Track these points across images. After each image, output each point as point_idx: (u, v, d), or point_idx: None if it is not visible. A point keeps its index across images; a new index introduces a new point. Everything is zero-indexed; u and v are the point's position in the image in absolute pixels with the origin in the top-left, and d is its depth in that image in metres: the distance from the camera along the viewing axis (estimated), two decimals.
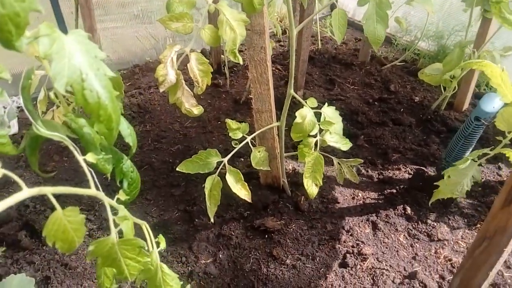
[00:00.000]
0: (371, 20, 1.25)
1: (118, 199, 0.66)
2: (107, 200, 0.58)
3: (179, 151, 2.01)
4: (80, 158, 0.54)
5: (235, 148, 1.41)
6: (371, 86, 2.57)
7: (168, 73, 1.08)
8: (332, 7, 3.64)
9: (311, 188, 1.41)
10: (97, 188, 0.57)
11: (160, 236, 0.75)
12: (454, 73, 2.04)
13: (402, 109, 2.31)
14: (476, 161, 1.16)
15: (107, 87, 0.54)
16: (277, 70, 2.80)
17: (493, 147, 1.14)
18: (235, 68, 2.76)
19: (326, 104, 1.46)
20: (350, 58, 2.87)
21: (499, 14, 0.68)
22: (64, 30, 2.46)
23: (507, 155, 1.05)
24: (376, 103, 2.39)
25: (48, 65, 0.51)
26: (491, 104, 1.36)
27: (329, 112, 1.45)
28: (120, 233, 0.63)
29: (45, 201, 1.70)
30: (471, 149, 1.53)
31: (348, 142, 1.43)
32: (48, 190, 0.47)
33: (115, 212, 0.63)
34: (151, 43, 2.99)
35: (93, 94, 0.52)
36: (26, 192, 0.45)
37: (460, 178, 1.18)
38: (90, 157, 0.55)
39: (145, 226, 0.70)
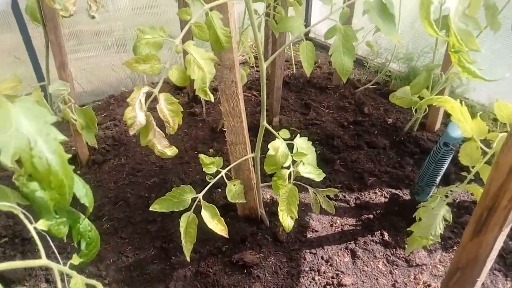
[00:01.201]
0: (338, 52, 1.27)
1: (70, 263, 0.63)
2: (57, 269, 0.56)
3: (155, 185, 1.98)
4: (30, 227, 0.52)
5: (211, 181, 1.40)
6: (346, 109, 2.61)
7: (137, 115, 1.07)
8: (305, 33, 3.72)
9: (287, 221, 1.40)
10: (54, 255, 0.55)
11: None
12: (423, 94, 2.10)
13: (376, 132, 2.35)
14: (445, 200, 1.17)
15: (57, 152, 0.52)
16: (253, 97, 2.82)
17: (459, 183, 1.16)
18: (211, 92, 2.76)
19: (299, 135, 1.46)
20: (324, 82, 2.92)
21: (459, 64, 0.70)
22: (37, 66, 2.44)
23: (472, 192, 1.07)
24: (351, 126, 2.43)
25: None
26: (459, 130, 1.39)
27: (302, 143, 1.46)
28: None
29: (16, 245, 1.64)
30: (442, 173, 1.56)
31: (321, 173, 1.43)
32: None
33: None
34: (126, 73, 2.98)
35: (42, 161, 0.51)
36: None
37: (431, 219, 1.18)
38: (42, 224, 0.53)
39: None
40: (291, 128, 2.43)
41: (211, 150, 2.25)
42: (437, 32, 0.67)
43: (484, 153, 1.05)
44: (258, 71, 3.18)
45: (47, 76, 1.89)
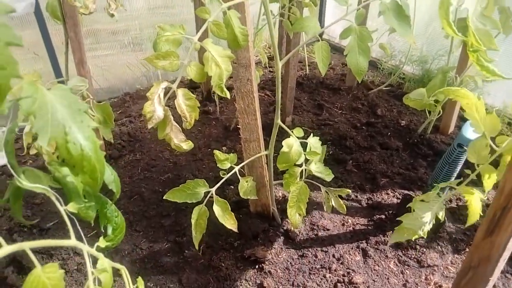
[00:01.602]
0: (353, 52, 1.29)
1: (97, 246, 0.66)
2: (86, 250, 0.58)
3: (169, 180, 2.01)
4: (61, 208, 0.55)
5: (224, 176, 1.43)
6: (359, 111, 2.61)
7: (155, 109, 1.10)
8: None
9: (295, 217, 1.42)
10: (79, 237, 0.58)
11: (139, 279, 0.75)
12: (438, 97, 2.09)
13: (389, 133, 2.35)
14: (441, 197, 1.17)
15: (90, 138, 0.55)
16: (266, 96, 2.84)
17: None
18: None
19: (312, 134, 1.48)
20: (337, 83, 2.93)
21: (477, 62, 0.71)
22: (55, 63, 2.49)
23: (463, 195, 1.06)
24: (363, 127, 2.43)
25: (33, 120, 0.52)
26: (473, 131, 1.39)
27: (314, 143, 1.47)
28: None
29: (33, 234, 1.69)
30: (455, 175, 1.56)
31: (331, 173, 1.46)
32: (27, 245, 0.48)
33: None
34: (141, 71, 3.03)
35: (76, 146, 0.53)
36: (5, 249, 0.45)
37: (423, 213, 1.17)
38: (72, 207, 0.56)
39: (124, 271, 0.70)
40: (303, 127, 2.42)
41: (224, 148, 2.27)
42: (455, 31, 0.68)
43: (492, 152, 1.05)
44: (271, 71, 3.20)
45: (66, 73, 1.94)
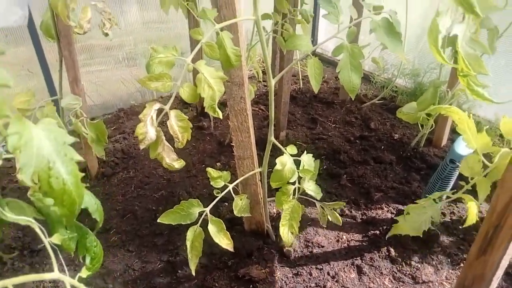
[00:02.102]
0: (346, 69, 1.30)
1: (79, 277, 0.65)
2: (68, 282, 0.57)
3: (162, 198, 2.00)
4: (45, 240, 0.55)
5: (218, 195, 1.42)
6: (352, 124, 2.62)
7: (148, 131, 1.10)
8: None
9: (287, 236, 1.42)
10: (62, 268, 0.57)
11: None
12: (430, 111, 2.11)
13: (382, 147, 2.36)
14: (437, 202, 1.19)
15: (73, 172, 0.55)
16: (260, 111, 2.85)
17: (455, 190, 1.17)
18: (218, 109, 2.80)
19: (305, 151, 1.48)
20: (331, 97, 2.95)
21: (468, 87, 0.72)
22: (49, 79, 2.49)
23: (464, 200, 1.08)
24: (357, 141, 2.44)
25: (18, 155, 0.52)
26: (465, 147, 1.40)
27: (307, 160, 1.47)
28: None
29: (24, 256, 1.67)
30: (449, 190, 1.56)
31: (320, 192, 1.46)
32: (9, 282, 0.47)
33: None
34: (136, 86, 3.03)
35: (59, 181, 0.53)
36: None
37: (419, 216, 1.20)
38: (56, 238, 0.56)
39: None
40: (297, 142, 2.45)
41: (218, 164, 2.27)
42: (446, 59, 0.69)
43: (485, 167, 1.06)
44: (266, 86, 3.22)
45: (60, 91, 1.94)
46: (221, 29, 1.14)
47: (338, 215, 1.55)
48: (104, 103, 2.94)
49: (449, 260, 1.62)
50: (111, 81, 2.96)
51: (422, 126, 2.26)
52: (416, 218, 1.20)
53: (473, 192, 1.23)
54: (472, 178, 1.08)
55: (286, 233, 1.44)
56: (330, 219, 1.57)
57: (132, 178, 2.15)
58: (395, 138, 2.45)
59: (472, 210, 1.12)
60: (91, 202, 0.67)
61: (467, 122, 1.00)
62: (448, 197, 1.17)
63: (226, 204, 1.90)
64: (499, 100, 0.79)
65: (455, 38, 0.73)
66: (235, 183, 1.46)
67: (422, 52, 2.94)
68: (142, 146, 1.12)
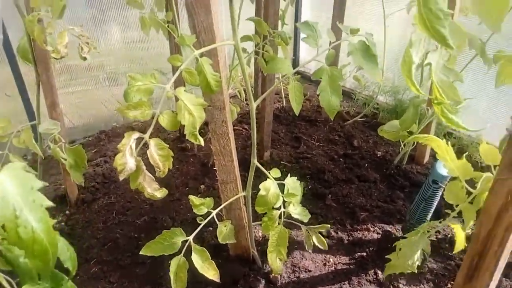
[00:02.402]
0: (325, 92, 1.30)
1: None
2: None
3: (145, 224, 1.94)
4: None
5: (201, 222, 1.38)
6: (336, 142, 2.63)
7: (127, 161, 1.07)
8: (294, 65, 3.81)
9: (276, 263, 1.39)
10: None
11: None
12: (411, 129, 2.13)
13: (366, 165, 2.37)
14: (426, 234, 1.18)
15: (42, 219, 0.52)
16: (244, 130, 2.84)
17: (442, 219, 1.17)
18: (202, 131, 2.77)
19: (289, 175, 1.47)
20: (314, 115, 2.96)
21: (442, 114, 0.72)
22: (27, 102, 2.43)
23: (454, 229, 1.07)
24: (341, 159, 2.44)
25: None
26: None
27: (291, 183, 1.46)
28: None
29: None
30: (433, 210, 1.57)
31: (308, 214, 1.44)
32: None
33: None
34: (117, 107, 2.98)
35: (27, 230, 0.50)
36: None
37: (411, 251, 1.19)
38: None
39: None
40: (282, 162, 2.44)
41: (202, 186, 2.23)
42: (419, 90, 0.70)
43: (469, 193, 1.07)
44: (249, 105, 3.21)
45: (38, 115, 1.89)
46: (201, 55, 1.12)
47: (323, 239, 1.52)
48: (85, 125, 2.89)
49: (436, 281, 1.61)
50: (92, 102, 2.91)
51: (404, 143, 2.28)
52: (409, 253, 1.19)
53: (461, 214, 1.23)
54: (457, 205, 1.08)
55: (274, 259, 1.41)
56: (316, 243, 1.55)
57: (113, 204, 2.09)
58: (378, 155, 2.46)
59: (460, 237, 1.11)
60: (63, 249, 0.63)
61: (446, 149, 1.01)
62: (436, 226, 1.17)
63: (211, 228, 1.86)
64: (474, 127, 0.79)
65: (429, 66, 0.73)
66: (218, 209, 1.43)
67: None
68: (121, 177, 1.09)
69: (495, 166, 0.98)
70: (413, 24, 0.56)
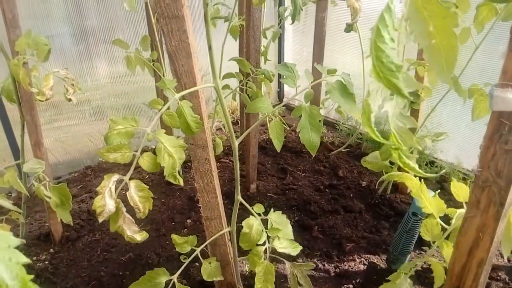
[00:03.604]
0: (305, 129, 1.34)
1: None
2: None
3: (130, 261, 1.92)
4: None
5: (185, 260, 1.38)
6: (321, 173, 2.67)
7: (106, 203, 1.08)
8: (279, 97, 3.89)
9: None
10: None
11: None
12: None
13: (351, 195, 2.40)
14: (408, 274, 1.20)
15: (18, 277, 0.53)
16: (231, 163, 2.86)
17: (419, 257, 1.20)
18: (188, 163, 2.79)
19: (272, 209, 1.48)
20: (299, 146, 3.01)
21: (399, 159, 0.76)
22: (11, 139, 2.43)
23: (432, 266, 1.10)
24: (326, 190, 2.47)
25: None
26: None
27: (276, 218, 1.47)
28: None
29: None
30: (414, 241, 1.59)
31: (298, 246, 1.44)
32: None
33: None
34: (103, 142, 2.99)
35: None
36: None
37: None
38: None
39: None
40: (268, 194, 2.46)
41: (189, 221, 2.23)
42: (379, 137, 0.73)
43: (445, 229, 1.10)
44: (237, 136, 3.24)
45: (22, 155, 1.89)
46: (182, 98, 1.16)
47: (308, 279, 1.52)
48: (71, 161, 2.88)
49: None
50: (77, 137, 2.92)
51: (387, 173, 2.32)
52: None
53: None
54: (433, 242, 1.11)
55: None
56: (301, 282, 1.54)
57: (98, 241, 2.07)
58: (363, 185, 2.50)
59: (438, 273, 1.13)
60: None
61: (419, 187, 1.04)
62: (415, 265, 1.19)
63: (197, 264, 1.84)
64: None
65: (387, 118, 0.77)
66: (202, 246, 1.43)
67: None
68: (100, 219, 1.09)
69: (466, 203, 1.01)
70: (370, 75, 0.60)
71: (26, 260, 0.55)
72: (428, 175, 0.74)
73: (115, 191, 1.10)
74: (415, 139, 2.04)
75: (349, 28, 1.97)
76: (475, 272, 0.88)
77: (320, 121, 1.35)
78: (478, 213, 0.83)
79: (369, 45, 0.62)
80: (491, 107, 0.81)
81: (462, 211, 1.03)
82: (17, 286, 0.52)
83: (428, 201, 1.06)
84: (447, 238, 1.09)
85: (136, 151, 1.10)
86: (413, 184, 1.05)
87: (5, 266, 0.51)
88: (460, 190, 1.02)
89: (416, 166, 0.73)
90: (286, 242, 1.47)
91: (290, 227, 1.53)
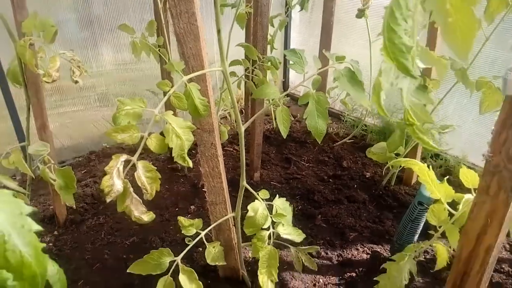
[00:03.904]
0: (312, 116, 1.33)
1: None
2: None
3: (134, 245, 1.93)
4: None
5: (190, 243, 1.39)
6: (325, 163, 2.66)
7: (114, 183, 1.08)
8: (284, 87, 3.87)
9: (267, 284, 1.38)
10: None
11: None
12: (398, 151, 2.17)
13: (355, 186, 2.40)
14: (412, 255, 1.21)
15: (31, 243, 0.53)
16: (234, 151, 2.86)
17: (426, 240, 1.20)
18: (192, 151, 2.79)
19: (277, 196, 1.48)
20: (304, 136, 3.00)
21: (414, 134, 0.76)
22: (17, 122, 2.43)
23: (435, 248, 1.10)
24: (330, 180, 2.47)
25: None
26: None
27: (280, 204, 1.47)
28: None
29: None
30: (419, 231, 1.59)
31: (301, 233, 1.44)
32: None
33: None
34: (107, 128, 2.99)
35: (15, 254, 0.51)
36: None
37: (398, 272, 1.21)
38: None
39: None
40: (272, 183, 2.46)
41: (192, 207, 2.24)
42: (386, 114, 0.73)
43: (451, 214, 1.09)
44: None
45: (28, 137, 1.89)
46: (189, 80, 1.16)
47: (313, 260, 1.53)
48: (75, 146, 2.88)
49: None
50: (82, 122, 2.92)
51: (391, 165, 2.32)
52: (397, 273, 1.21)
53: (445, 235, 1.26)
54: (440, 226, 1.11)
55: (266, 281, 1.40)
56: (306, 264, 1.56)
57: (102, 225, 2.08)
58: (367, 176, 2.49)
59: (442, 255, 1.14)
60: (52, 271, 0.64)
61: (427, 173, 1.04)
62: (421, 247, 1.19)
63: (200, 249, 1.86)
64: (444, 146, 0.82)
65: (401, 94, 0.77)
66: (207, 230, 1.44)
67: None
68: (108, 199, 1.09)
69: (475, 189, 1.01)
70: (381, 54, 0.60)
71: (38, 227, 0.55)
72: (441, 148, 0.74)
73: (123, 172, 1.10)
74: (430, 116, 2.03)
75: (361, 13, 1.95)
76: (483, 258, 0.88)
77: (326, 108, 1.35)
78: (487, 199, 0.83)
79: (382, 26, 0.62)
80: (505, 92, 0.80)
81: (469, 196, 1.03)
82: (30, 252, 0.52)
83: (436, 186, 1.06)
84: (453, 224, 1.09)
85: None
86: (421, 169, 1.05)
87: (17, 233, 0.51)
88: (469, 176, 1.01)
89: (431, 141, 0.73)
90: (290, 229, 1.48)
91: (291, 214, 1.53)
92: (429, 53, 0.72)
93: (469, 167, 2.48)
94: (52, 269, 0.65)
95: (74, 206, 1.92)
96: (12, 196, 0.53)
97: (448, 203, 1.09)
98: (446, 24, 0.64)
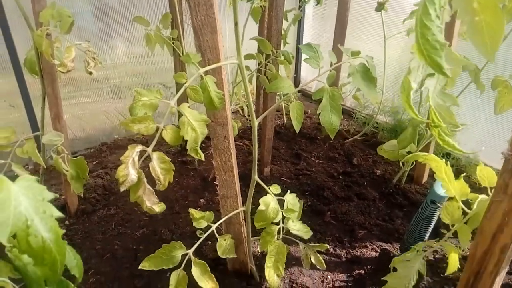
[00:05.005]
0: (326, 111, 1.33)
1: None
2: None
3: (144, 236, 1.95)
4: None
5: (201, 236, 1.40)
6: (335, 160, 2.65)
7: (129, 173, 1.09)
8: (295, 83, 3.86)
9: (273, 278, 1.39)
10: None
11: None
12: (410, 149, 2.16)
13: (365, 183, 2.39)
14: (421, 254, 1.20)
15: (52, 229, 0.54)
16: (245, 146, 2.86)
17: (437, 239, 1.18)
18: (203, 145, 2.80)
19: (289, 191, 1.48)
20: (314, 132, 2.99)
21: (439, 137, 0.75)
22: (31, 113, 2.46)
23: (446, 250, 1.09)
24: (340, 177, 2.46)
25: None
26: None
27: (291, 200, 1.47)
28: None
29: None
30: (430, 230, 1.58)
31: (309, 230, 1.45)
32: None
33: None
34: (119, 120, 3.02)
35: (37, 239, 0.52)
36: None
37: (407, 271, 1.20)
38: None
39: None
40: (282, 178, 2.46)
41: (202, 200, 2.25)
42: (418, 115, 0.72)
43: (465, 213, 1.08)
44: (250, 121, 3.24)
45: (42, 127, 1.92)
46: (205, 73, 1.16)
47: (321, 258, 1.52)
48: (87, 137, 2.91)
49: None
50: (94, 114, 2.94)
51: (403, 163, 2.30)
52: (405, 273, 1.20)
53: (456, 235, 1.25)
54: (453, 225, 1.10)
55: (272, 275, 1.41)
56: (313, 262, 1.55)
57: (113, 216, 2.10)
58: (377, 174, 2.48)
59: (453, 260, 1.13)
60: (70, 257, 0.65)
61: (445, 169, 1.03)
62: (431, 246, 1.18)
63: (209, 242, 1.87)
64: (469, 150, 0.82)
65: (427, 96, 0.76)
66: (218, 223, 1.44)
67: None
68: (122, 189, 1.11)
69: (491, 188, 1.00)
70: (411, 52, 0.59)
71: (59, 213, 0.56)
72: (467, 152, 0.73)
73: (138, 162, 1.11)
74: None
75: (380, 7, 1.94)
76: (498, 257, 0.87)
77: (340, 103, 1.34)
78: (505, 198, 0.82)
79: (415, 22, 0.61)
80: None
81: (484, 196, 1.02)
82: (52, 238, 0.53)
83: (452, 183, 1.05)
84: (465, 223, 1.08)
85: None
86: (438, 166, 1.04)
87: (40, 218, 0.52)
88: (486, 175, 1.00)
89: (456, 144, 0.72)
90: (299, 225, 1.48)
91: (300, 211, 1.53)
92: (453, 53, 0.71)
93: None
94: (70, 255, 0.66)
95: (82, 195, 1.94)
96: (36, 181, 0.54)
97: (462, 202, 1.08)
98: (473, 23, 0.63)
